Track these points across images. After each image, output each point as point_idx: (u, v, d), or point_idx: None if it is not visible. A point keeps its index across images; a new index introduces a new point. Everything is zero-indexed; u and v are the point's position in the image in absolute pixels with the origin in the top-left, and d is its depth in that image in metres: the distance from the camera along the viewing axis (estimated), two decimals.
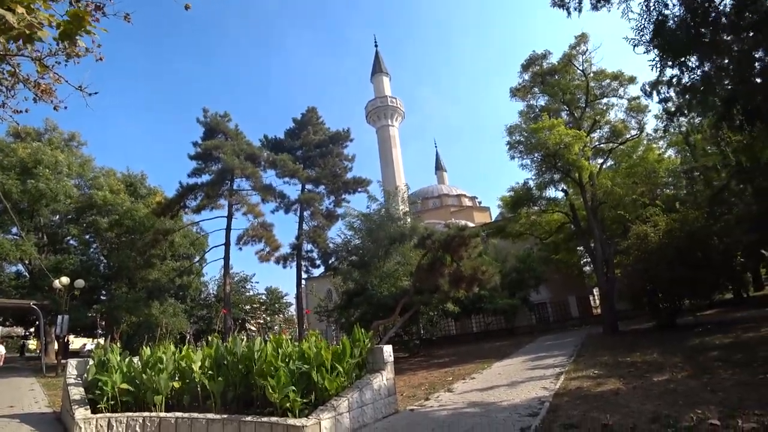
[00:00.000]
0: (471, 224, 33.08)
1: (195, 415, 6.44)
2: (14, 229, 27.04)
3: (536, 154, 18.95)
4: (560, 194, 21.99)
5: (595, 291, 31.55)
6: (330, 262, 26.23)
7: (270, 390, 5.91)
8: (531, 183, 21.08)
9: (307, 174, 29.58)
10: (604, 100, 21.69)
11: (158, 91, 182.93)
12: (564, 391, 7.34)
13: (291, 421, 5.52)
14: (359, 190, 30.31)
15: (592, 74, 20.89)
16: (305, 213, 29.81)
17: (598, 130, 21.72)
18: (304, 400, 6.02)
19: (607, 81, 20.99)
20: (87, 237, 32.69)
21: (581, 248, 25.23)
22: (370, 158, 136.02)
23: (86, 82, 4.65)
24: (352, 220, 20.25)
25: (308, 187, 30.39)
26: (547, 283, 27.00)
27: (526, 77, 22.42)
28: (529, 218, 22.57)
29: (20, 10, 3.18)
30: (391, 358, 7.46)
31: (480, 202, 53.70)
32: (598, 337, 16.55)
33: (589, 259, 25.33)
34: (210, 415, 6.31)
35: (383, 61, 57.67)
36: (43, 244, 30.19)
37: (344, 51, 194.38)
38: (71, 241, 33.09)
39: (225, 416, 6.17)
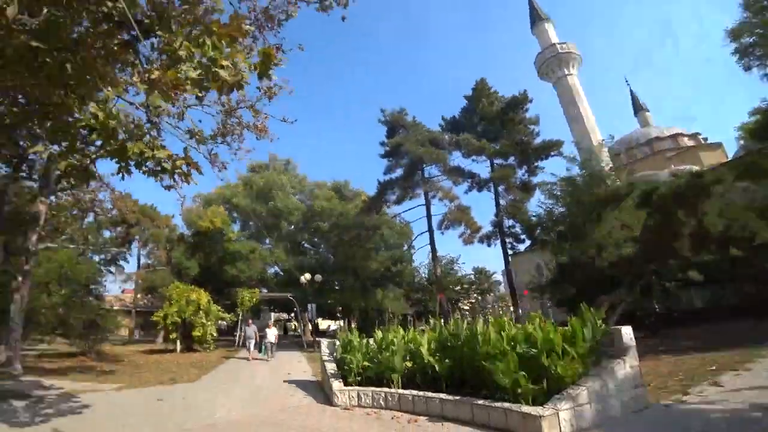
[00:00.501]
0: (701, 168, 26.25)
1: (429, 394, 6.83)
2: (267, 241, 34.98)
3: None
4: None
5: None
6: (535, 234, 24.71)
7: (499, 374, 5.75)
8: None
9: (493, 148, 28.58)
10: None
11: (332, 96, 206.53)
12: None
13: (526, 408, 5.23)
14: (552, 154, 27.64)
15: None
16: (499, 188, 28.99)
17: None
18: (535, 387, 5.64)
19: None
20: (315, 239, 39.75)
21: None
22: (554, 118, 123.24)
23: (285, 114, 6.11)
24: (551, 188, 18.52)
25: (497, 161, 29.40)
26: None
27: None
28: None
29: (226, 63, 3.97)
30: (633, 342, 6.35)
31: (705, 139, 42.02)
32: None
33: None
34: (443, 395, 6.57)
35: (539, 7, 51.09)
36: (287, 250, 38.09)
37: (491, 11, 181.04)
38: (305, 245, 40.78)
39: (458, 398, 6.32)
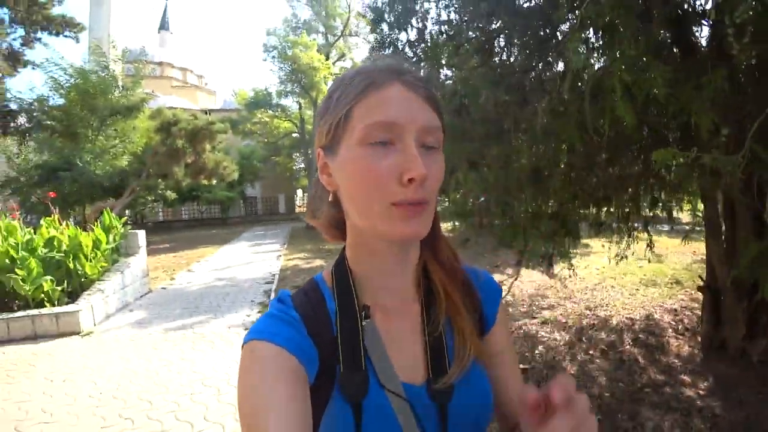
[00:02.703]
0: (194, 106, 30.89)
1: None
2: None
3: (286, 65, 19.76)
4: (294, 105, 23.23)
5: (299, 192, 33.72)
6: (14, 121, 17.94)
7: (20, 283, 5.64)
8: (272, 90, 21.82)
9: None
10: (354, 39, 23.38)
11: None
12: (286, 268, 9.75)
13: (59, 309, 5.63)
14: (67, 33, 19.94)
15: (357, 12, 21.01)
16: None
17: (341, 61, 23.48)
18: (60, 288, 6.00)
19: (364, 23, 22.23)
20: None
21: (298, 154, 26.91)
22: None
23: None
24: (55, 73, 14.11)
25: None
26: (261, 180, 28.18)
27: None
28: (263, 122, 23.45)
29: None
30: (145, 243, 7.95)
31: (206, 84, 48.35)
32: (301, 230, 19.01)
33: (302, 166, 27.97)
34: None
35: None
36: None
37: None
38: None
39: None
